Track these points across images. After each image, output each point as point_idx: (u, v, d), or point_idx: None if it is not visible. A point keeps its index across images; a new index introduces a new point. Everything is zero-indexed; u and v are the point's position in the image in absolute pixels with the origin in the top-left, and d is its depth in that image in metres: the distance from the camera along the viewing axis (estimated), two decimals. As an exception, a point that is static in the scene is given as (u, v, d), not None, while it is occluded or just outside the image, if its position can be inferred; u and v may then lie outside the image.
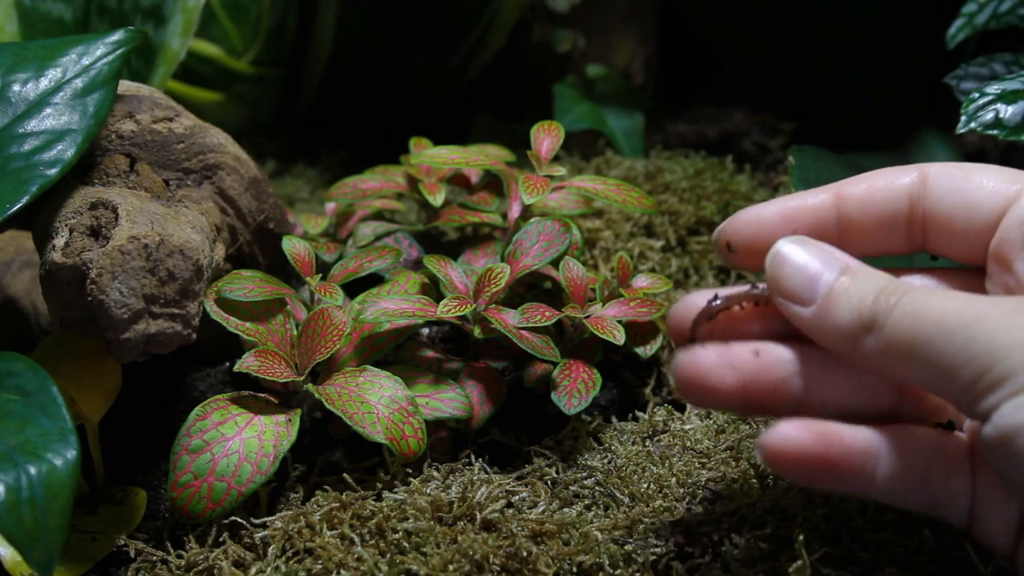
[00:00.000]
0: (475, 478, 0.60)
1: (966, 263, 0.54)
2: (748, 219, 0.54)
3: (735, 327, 0.53)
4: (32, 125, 0.63)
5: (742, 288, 0.53)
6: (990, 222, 0.52)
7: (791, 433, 0.47)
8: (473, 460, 0.62)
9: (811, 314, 0.49)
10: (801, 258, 0.50)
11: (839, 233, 0.54)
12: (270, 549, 0.56)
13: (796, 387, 0.50)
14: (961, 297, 0.46)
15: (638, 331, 0.70)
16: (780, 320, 0.52)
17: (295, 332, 0.65)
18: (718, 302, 0.53)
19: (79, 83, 0.65)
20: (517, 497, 0.59)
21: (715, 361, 0.49)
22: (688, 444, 0.64)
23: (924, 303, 0.46)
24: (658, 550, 0.54)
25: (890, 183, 0.54)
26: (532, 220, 0.71)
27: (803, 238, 0.51)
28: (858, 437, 0.48)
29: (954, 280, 0.55)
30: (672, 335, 0.54)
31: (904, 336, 0.46)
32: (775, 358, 0.50)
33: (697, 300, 0.53)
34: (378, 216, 0.81)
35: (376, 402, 0.60)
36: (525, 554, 0.53)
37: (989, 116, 0.67)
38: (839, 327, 0.48)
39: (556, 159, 0.82)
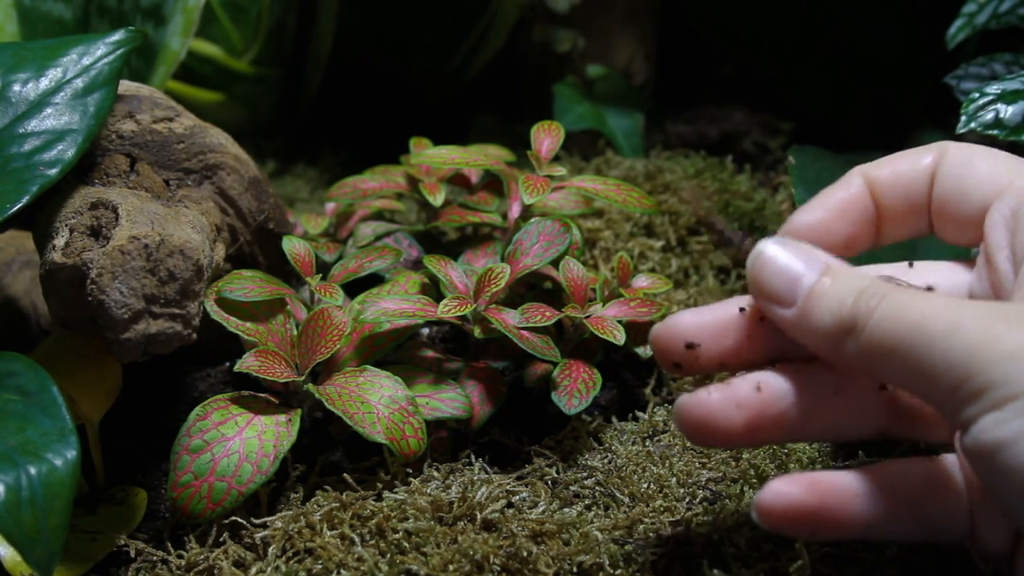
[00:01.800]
0: (475, 478, 0.60)
1: (961, 246, 0.54)
2: (800, 227, 0.53)
3: (722, 344, 0.52)
4: (32, 125, 0.63)
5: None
6: (978, 210, 0.51)
7: (783, 489, 0.47)
8: (473, 460, 0.62)
9: (793, 316, 0.48)
10: (783, 259, 0.49)
11: (877, 219, 0.53)
12: (270, 549, 0.56)
13: (796, 416, 0.49)
14: (941, 301, 0.45)
15: (638, 331, 0.70)
16: (768, 336, 0.51)
17: (295, 332, 0.65)
18: None
19: (79, 83, 0.65)
20: (517, 497, 0.59)
21: (721, 403, 0.48)
22: (688, 444, 0.64)
23: (904, 307, 0.45)
24: (658, 550, 0.54)
25: (914, 164, 0.53)
26: (532, 220, 0.71)
27: (785, 239, 0.50)
28: (850, 481, 0.48)
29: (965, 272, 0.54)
30: (658, 357, 0.52)
31: (883, 340, 0.45)
32: (776, 390, 0.49)
33: (680, 321, 0.51)
34: (378, 216, 0.81)
35: (376, 402, 0.60)
36: (525, 554, 0.53)
37: (989, 116, 0.67)
38: (820, 329, 0.47)
39: (556, 159, 0.82)
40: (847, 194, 0.53)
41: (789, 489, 0.47)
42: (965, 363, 0.42)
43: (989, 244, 0.50)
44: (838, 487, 0.47)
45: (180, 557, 0.57)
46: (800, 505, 0.47)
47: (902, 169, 0.53)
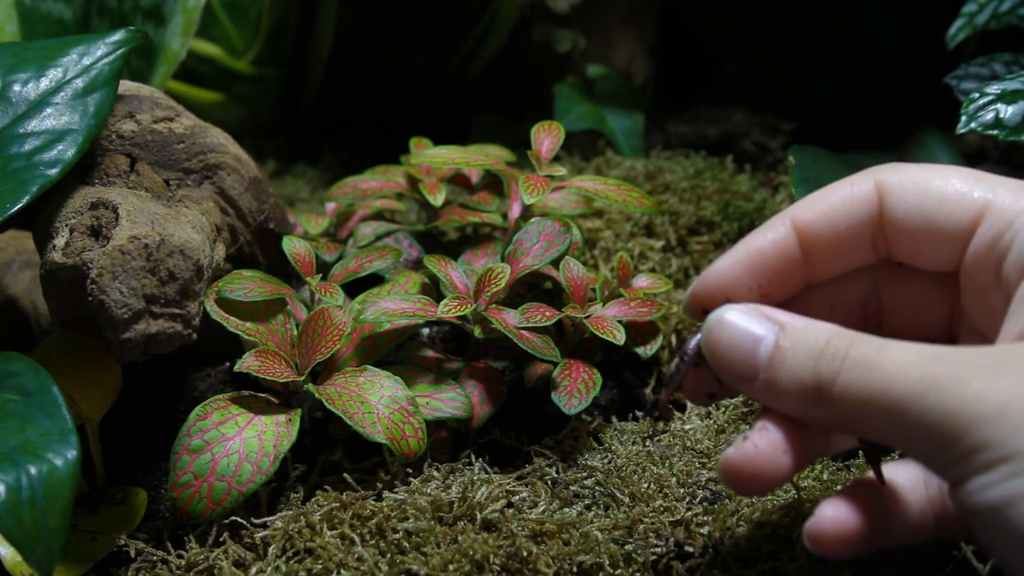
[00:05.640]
0: (475, 478, 0.60)
1: (937, 271, 0.51)
2: (714, 278, 0.50)
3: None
4: (33, 125, 0.63)
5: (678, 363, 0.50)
6: (956, 236, 0.48)
7: (839, 515, 0.45)
8: (473, 460, 0.62)
9: (759, 389, 0.46)
10: (735, 329, 0.46)
11: (805, 261, 0.50)
12: (270, 549, 0.56)
13: (826, 440, 0.49)
14: (910, 354, 0.42)
15: (638, 331, 0.70)
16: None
17: (295, 332, 0.65)
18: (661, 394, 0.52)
19: (80, 83, 0.65)
20: (517, 497, 0.59)
21: (769, 451, 0.45)
22: (688, 444, 0.64)
23: (870, 368, 0.42)
24: (658, 550, 0.54)
25: (848, 200, 0.50)
26: (532, 220, 0.71)
27: (732, 306, 0.47)
28: (884, 496, 0.47)
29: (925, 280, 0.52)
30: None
31: (853, 408, 0.43)
32: (773, 435, 0.46)
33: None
34: (378, 216, 0.81)
35: (376, 402, 0.60)
36: (525, 554, 0.53)
37: (989, 116, 0.67)
38: (786, 398, 0.45)
39: (556, 159, 0.82)
40: (763, 241, 0.50)
41: (846, 514, 0.45)
42: (943, 425, 0.40)
43: (977, 274, 0.48)
44: (882, 503, 0.46)
45: (180, 557, 0.57)
46: (857, 527, 0.45)
47: (837, 206, 0.50)
